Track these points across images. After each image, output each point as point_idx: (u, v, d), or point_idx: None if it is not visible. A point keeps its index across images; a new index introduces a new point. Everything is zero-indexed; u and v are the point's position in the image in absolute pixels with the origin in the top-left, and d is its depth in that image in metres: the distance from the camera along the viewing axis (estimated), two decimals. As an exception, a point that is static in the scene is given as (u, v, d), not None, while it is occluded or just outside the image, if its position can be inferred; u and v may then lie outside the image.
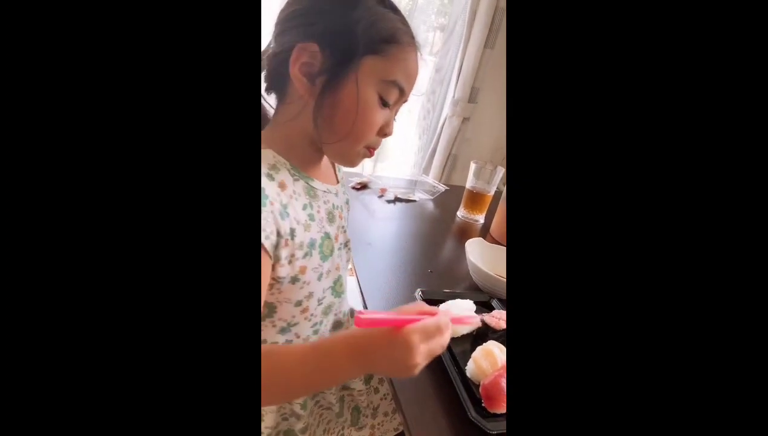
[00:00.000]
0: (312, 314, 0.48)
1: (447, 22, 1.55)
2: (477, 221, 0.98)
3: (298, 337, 0.48)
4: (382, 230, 0.85)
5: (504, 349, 0.46)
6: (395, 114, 0.46)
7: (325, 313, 0.51)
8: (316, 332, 0.50)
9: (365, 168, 1.56)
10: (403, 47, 0.41)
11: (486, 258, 0.68)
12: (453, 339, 0.50)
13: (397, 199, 1.00)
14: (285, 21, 0.42)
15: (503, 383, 0.40)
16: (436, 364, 0.47)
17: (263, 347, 0.34)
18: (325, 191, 0.48)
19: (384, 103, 0.42)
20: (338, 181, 0.54)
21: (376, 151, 0.47)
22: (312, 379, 0.35)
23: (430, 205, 1.04)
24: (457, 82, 1.54)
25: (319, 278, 0.46)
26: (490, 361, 0.44)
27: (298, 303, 0.45)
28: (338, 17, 0.40)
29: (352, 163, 0.47)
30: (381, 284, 0.63)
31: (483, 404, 0.41)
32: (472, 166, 0.97)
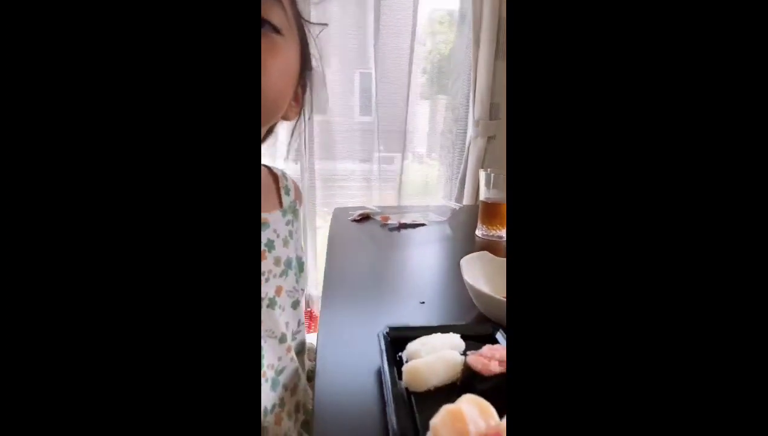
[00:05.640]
0: None
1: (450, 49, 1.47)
2: (501, 237, 0.79)
3: None
4: (385, 261, 0.71)
5: (487, 407, 0.28)
6: None
7: None
8: None
9: (372, 199, 1.41)
10: None
11: (490, 276, 0.51)
12: (418, 396, 0.33)
13: (402, 226, 0.86)
14: None
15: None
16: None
17: None
18: None
19: None
20: (281, 206, 0.53)
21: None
22: None
23: (447, 228, 0.88)
24: (474, 105, 1.42)
25: None
26: (456, 430, 0.26)
27: None
28: None
29: None
30: (349, 323, 0.48)
31: None
32: (482, 174, 0.81)
